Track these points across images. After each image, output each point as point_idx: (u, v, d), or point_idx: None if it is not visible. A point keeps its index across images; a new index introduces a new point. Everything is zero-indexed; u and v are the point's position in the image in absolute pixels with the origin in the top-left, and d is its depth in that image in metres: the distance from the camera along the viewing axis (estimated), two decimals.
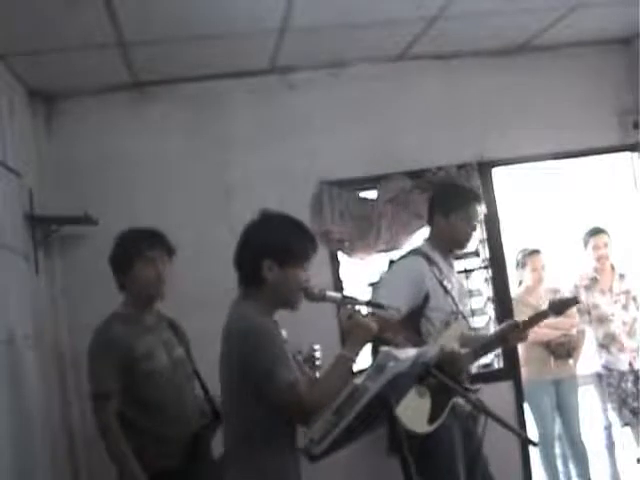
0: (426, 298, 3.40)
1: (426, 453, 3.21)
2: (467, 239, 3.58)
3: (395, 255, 3.75)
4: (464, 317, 3.57)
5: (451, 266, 3.62)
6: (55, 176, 4.23)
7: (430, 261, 3.48)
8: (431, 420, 3.25)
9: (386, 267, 3.64)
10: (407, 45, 4.35)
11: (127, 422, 3.08)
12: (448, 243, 3.57)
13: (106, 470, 4.05)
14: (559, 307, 3.76)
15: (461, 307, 3.55)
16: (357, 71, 4.54)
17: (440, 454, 3.29)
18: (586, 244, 5.17)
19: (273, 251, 2.47)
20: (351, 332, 2.51)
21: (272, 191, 4.33)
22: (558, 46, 4.67)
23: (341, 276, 4.53)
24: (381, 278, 3.63)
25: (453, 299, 3.49)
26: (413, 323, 3.40)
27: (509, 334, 3.58)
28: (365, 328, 2.48)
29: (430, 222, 3.64)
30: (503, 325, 3.70)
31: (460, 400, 3.33)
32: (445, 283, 3.47)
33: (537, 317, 3.74)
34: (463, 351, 3.38)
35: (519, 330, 3.58)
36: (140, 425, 3.10)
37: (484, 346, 3.60)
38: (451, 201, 3.56)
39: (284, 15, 3.61)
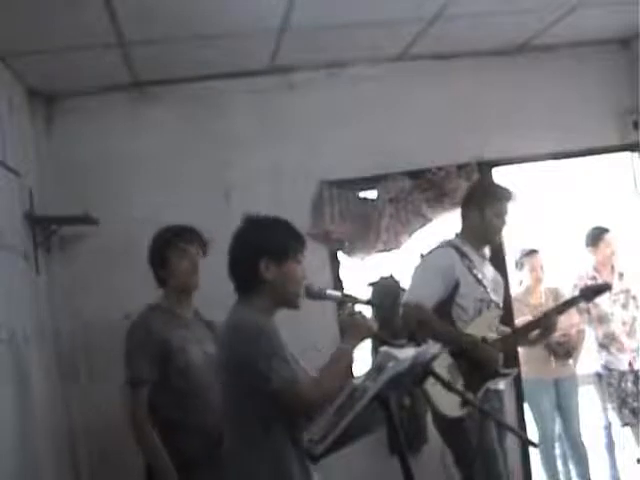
0: (456, 286, 3.51)
1: (459, 441, 3.41)
2: (498, 235, 3.71)
3: (426, 249, 3.82)
4: (497, 306, 3.64)
5: (483, 258, 3.71)
6: (55, 176, 4.23)
7: (460, 252, 3.58)
8: (463, 404, 3.32)
9: (418, 260, 3.76)
10: (407, 45, 4.35)
11: (157, 411, 3.18)
12: (478, 237, 3.66)
13: (107, 469, 4.07)
14: (590, 294, 3.79)
15: (494, 297, 3.62)
16: (357, 71, 4.54)
17: (473, 441, 3.39)
18: (594, 243, 5.17)
19: (267, 250, 2.49)
20: (349, 328, 2.54)
21: (272, 191, 4.35)
22: (558, 46, 4.67)
23: (341, 276, 4.53)
24: (413, 271, 3.72)
25: (485, 288, 3.57)
26: (444, 310, 3.50)
27: (539, 323, 3.68)
28: (363, 325, 2.51)
29: (464, 217, 3.71)
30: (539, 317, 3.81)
31: (492, 384, 3.49)
32: (476, 272, 3.55)
33: (567, 304, 3.80)
34: (491, 337, 3.51)
35: (549, 319, 3.65)
36: (170, 415, 3.18)
37: (512, 334, 3.72)
38: (484, 198, 3.64)
39: (284, 15, 3.61)
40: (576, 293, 4.06)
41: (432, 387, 3.01)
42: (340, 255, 4.53)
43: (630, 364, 5.01)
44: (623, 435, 5.19)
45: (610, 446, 5.23)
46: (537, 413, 5.11)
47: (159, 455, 3.13)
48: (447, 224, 4.42)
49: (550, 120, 4.63)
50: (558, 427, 5.23)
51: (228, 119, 4.45)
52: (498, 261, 4.62)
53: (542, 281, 5.32)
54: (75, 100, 4.31)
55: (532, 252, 5.31)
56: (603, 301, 4.99)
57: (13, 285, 3.46)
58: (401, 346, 2.43)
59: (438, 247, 3.68)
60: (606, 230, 5.16)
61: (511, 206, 3.65)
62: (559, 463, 5.20)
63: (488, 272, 3.69)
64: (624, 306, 5.07)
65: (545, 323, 3.65)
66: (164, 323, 3.26)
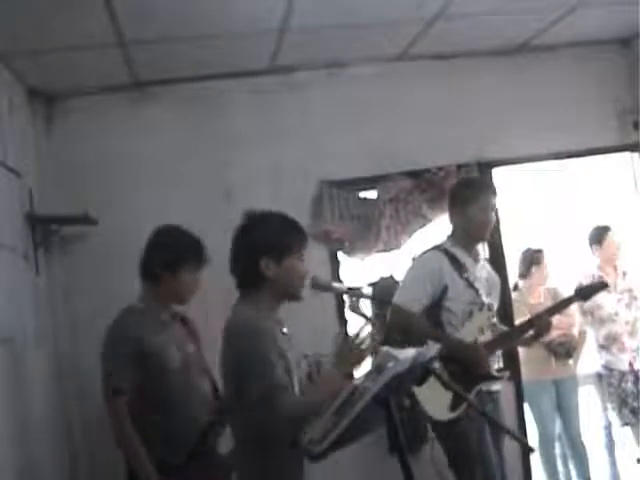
0: (445, 290, 3.50)
1: (455, 443, 3.38)
2: (485, 229, 3.64)
3: (417, 252, 3.83)
4: (489, 309, 3.62)
5: (476, 260, 3.68)
6: (55, 176, 4.23)
7: (450, 256, 3.57)
8: (453, 407, 3.33)
9: (409, 264, 3.76)
10: (407, 45, 4.35)
11: (136, 415, 3.08)
12: (468, 236, 3.64)
13: (105, 469, 4.07)
14: (586, 293, 3.79)
15: (487, 299, 3.61)
16: (357, 71, 4.54)
17: (469, 443, 3.39)
18: (598, 242, 5.16)
19: (266, 249, 2.51)
20: (343, 353, 2.51)
21: (272, 191, 4.35)
22: (558, 46, 4.67)
23: (341, 276, 4.53)
24: (404, 274, 3.72)
25: (477, 291, 3.56)
26: (434, 314, 3.51)
27: (532, 323, 3.66)
28: (358, 354, 2.49)
29: (451, 217, 3.71)
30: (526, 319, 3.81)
31: (484, 386, 3.49)
32: (467, 276, 3.54)
33: (562, 303, 3.80)
34: (483, 340, 3.51)
35: (542, 319, 3.63)
36: (149, 420, 3.10)
37: (505, 335, 3.70)
38: (466, 194, 3.63)
39: (284, 15, 3.61)
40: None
41: (421, 390, 2.99)
42: (340, 255, 4.53)
43: (630, 364, 5.01)
44: (623, 435, 5.19)
45: (610, 446, 5.23)
46: (537, 413, 5.11)
47: (141, 459, 3.03)
48: (447, 224, 4.42)
49: (550, 120, 4.63)
50: (558, 427, 5.23)
51: (228, 119, 4.45)
52: (497, 261, 4.64)
53: (547, 280, 5.31)
54: (75, 100, 4.31)
55: (539, 251, 5.31)
56: (608, 301, 4.99)
57: (13, 285, 3.46)
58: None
59: (427, 251, 3.68)
60: (608, 228, 5.16)
61: (492, 198, 3.63)
62: (559, 463, 5.20)
63: (481, 273, 3.67)
64: (628, 306, 5.06)
65: (539, 323, 3.64)
66: (141, 325, 3.15)
